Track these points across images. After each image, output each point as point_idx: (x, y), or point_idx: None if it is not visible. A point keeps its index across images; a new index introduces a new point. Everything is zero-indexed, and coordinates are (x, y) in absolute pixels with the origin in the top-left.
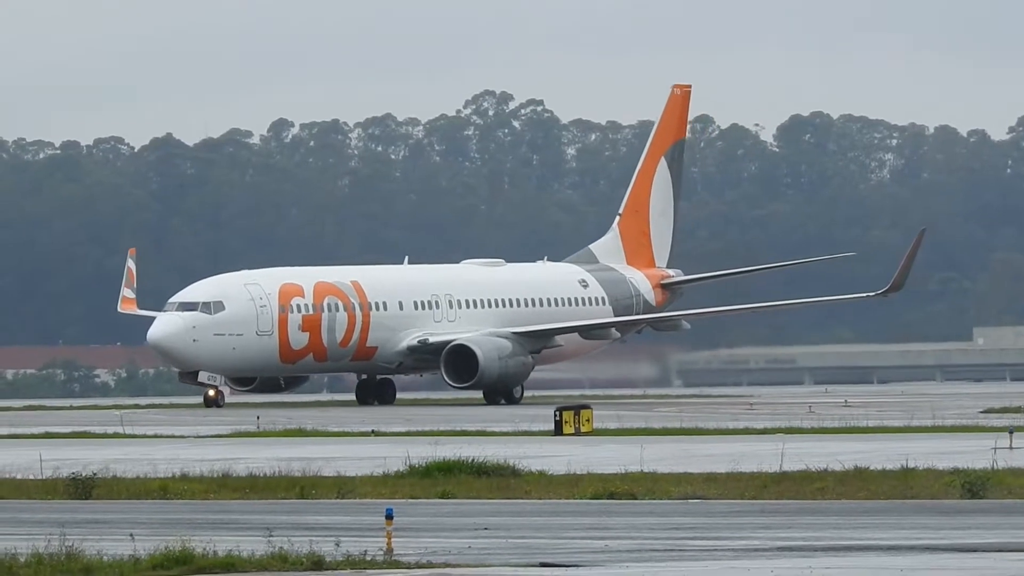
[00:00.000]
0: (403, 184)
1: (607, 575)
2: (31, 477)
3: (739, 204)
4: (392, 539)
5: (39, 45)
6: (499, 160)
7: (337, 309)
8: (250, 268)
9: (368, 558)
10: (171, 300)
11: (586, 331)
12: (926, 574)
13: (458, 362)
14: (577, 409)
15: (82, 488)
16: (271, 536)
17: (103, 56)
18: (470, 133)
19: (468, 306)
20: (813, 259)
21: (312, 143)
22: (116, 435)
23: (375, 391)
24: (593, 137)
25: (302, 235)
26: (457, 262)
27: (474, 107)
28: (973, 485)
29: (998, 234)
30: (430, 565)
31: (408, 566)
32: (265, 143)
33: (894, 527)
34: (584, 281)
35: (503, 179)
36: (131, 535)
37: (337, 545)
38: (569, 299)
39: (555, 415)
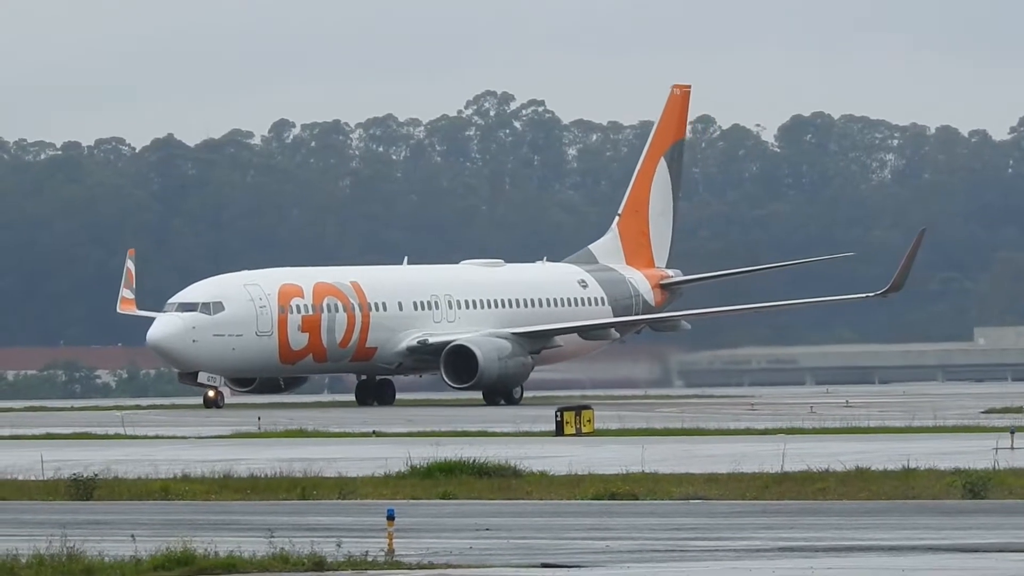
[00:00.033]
0: (404, 185)
1: (608, 575)
2: (32, 478)
3: (740, 204)
4: (393, 540)
5: (39, 45)
6: (500, 160)
7: (337, 310)
8: (251, 269)
9: (369, 559)
10: (170, 301)
11: (585, 331)
12: (928, 574)
13: (458, 363)
14: (578, 410)
15: (83, 489)
16: (272, 537)
17: (103, 56)
18: (471, 133)
19: (467, 307)
20: (812, 259)
21: (313, 144)
22: (117, 436)
23: (375, 392)
24: (594, 137)
25: (303, 236)
26: (457, 263)
27: (475, 107)
28: (974, 485)
29: (999, 234)
30: (431, 566)
31: (409, 567)
32: (266, 144)
33: (896, 527)
34: (583, 281)
35: (504, 179)
36: (132, 536)
37: (338, 546)
38: (568, 299)
39: (556, 415)
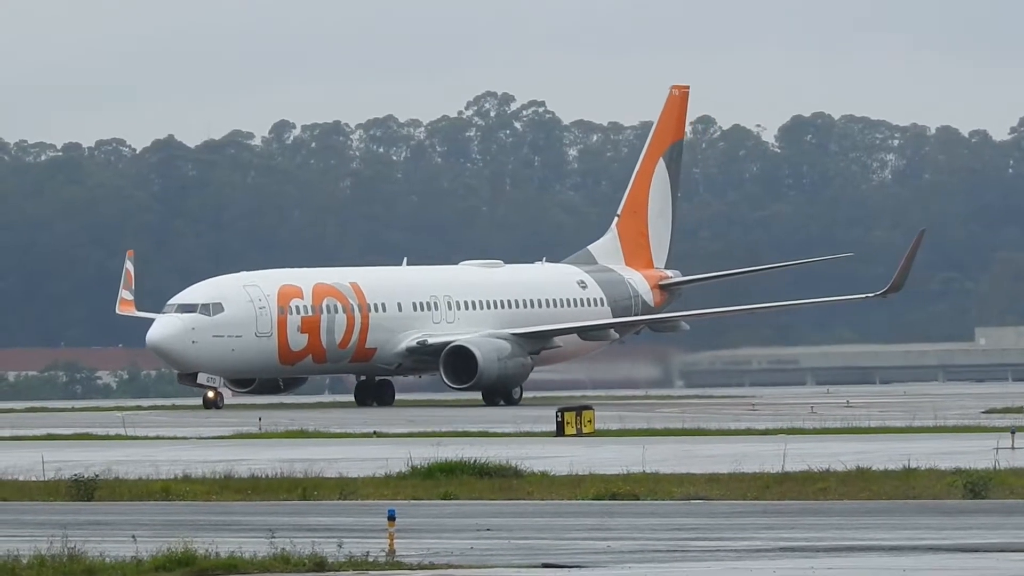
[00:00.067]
0: (405, 185)
1: (609, 575)
2: (33, 479)
3: (741, 205)
4: (394, 540)
5: (39, 45)
6: (501, 161)
7: (336, 310)
8: (252, 270)
9: (370, 559)
10: (170, 302)
11: (585, 332)
12: (928, 574)
13: (457, 363)
14: (579, 410)
15: (84, 490)
16: (273, 537)
17: (103, 56)
18: (472, 134)
19: (467, 307)
20: (811, 260)
21: (313, 144)
22: (118, 437)
23: (374, 392)
24: (595, 138)
25: (304, 237)
26: (456, 263)
27: (475, 108)
28: (975, 485)
29: (1000, 234)
30: (432, 566)
31: (410, 567)
32: (267, 145)
33: (896, 527)
34: (583, 282)
35: (505, 180)
36: (133, 536)
37: (339, 546)
38: (567, 300)
39: (557, 416)
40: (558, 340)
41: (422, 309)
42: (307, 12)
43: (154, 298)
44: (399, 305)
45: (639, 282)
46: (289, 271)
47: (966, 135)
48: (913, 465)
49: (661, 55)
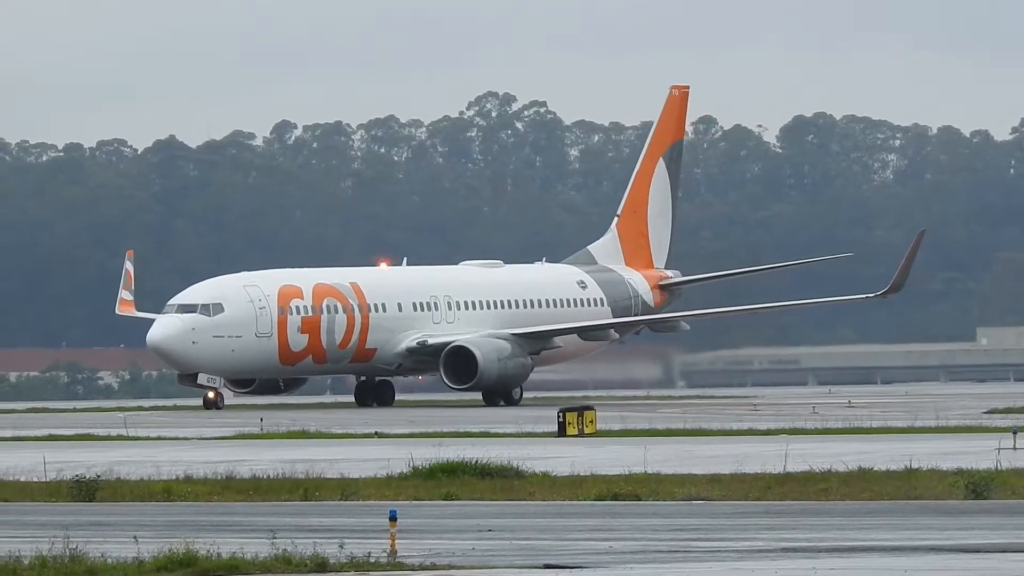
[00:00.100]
0: (406, 186)
1: None
2: (35, 479)
3: (742, 205)
4: (396, 541)
5: (39, 45)
6: (502, 162)
7: (336, 311)
8: (253, 270)
9: (372, 560)
10: (170, 302)
11: (585, 332)
12: (930, 575)
13: (457, 363)
14: (580, 410)
15: (86, 490)
16: (275, 538)
17: (103, 56)
18: (473, 135)
19: (467, 307)
20: (811, 260)
21: (315, 145)
22: (119, 437)
23: (374, 393)
24: (596, 138)
25: (305, 237)
26: (456, 264)
27: (477, 108)
28: (977, 486)
29: (1001, 234)
30: (434, 567)
31: (412, 568)
32: (268, 145)
33: (898, 528)
34: (583, 282)
35: (506, 180)
36: (135, 537)
37: (341, 547)
38: (567, 300)
39: (559, 416)
40: (558, 340)
41: (422, 309)
42: (308, 12)
43: (155, 299)
44: (399, 305)
45: (639, 282)
46: (289, 271)
47: (967, 135)
48: (915, 465)
49: (661, 55)
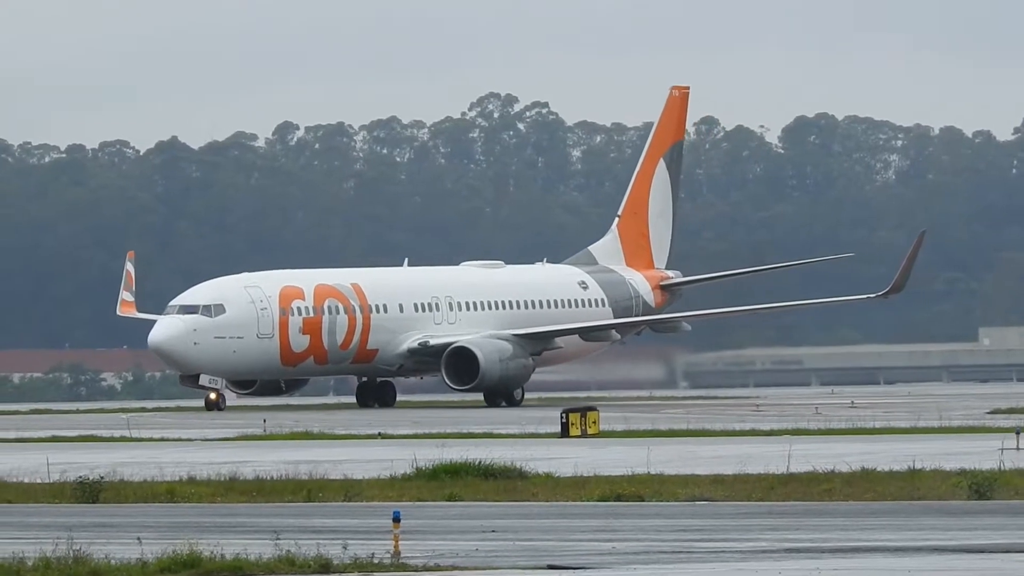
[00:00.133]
0: (408, 187)
1: None
2: (38, 481)
3: (744, 205)
4: (399, 542)
5: (39, 45)
6: (504, 162)
7: (337, 312)
8: (256, 271)
9: (375, 561)
10: (171, 303)
11: (586, 333)
12: (934, 575)
13: (459, 364)
14: (583, 411)
15: (89, 492)
16: (278, 539)
17: (103, 56)
18: (475, 135)
19: (468, 308)
20: (811, 260)
21: (317, 146)
22: (123, 439)
23: (375, 393)
24: (598, 139)
25: (307, 238)
26: (457, 264)
27: (479, 109)
28: (980, 486)
29: (1004, 234)
30: (437, 568)
31: (415, 568)
32: (270, 146)
33: (901, 528)
34: (584, 283)
35: (508, 181)
36: (138, 539)
37: (344, 548)
38: (569, 301)
39: (562, 417)
40: (559, 341)
41: (423, 310)
42: (310, 12)
43: (158, 300)
44: (400, 306)
45: (640, 283)
46: (290, 272)
47: (970, 135)
48: (918, 466)
49: (661, 56)
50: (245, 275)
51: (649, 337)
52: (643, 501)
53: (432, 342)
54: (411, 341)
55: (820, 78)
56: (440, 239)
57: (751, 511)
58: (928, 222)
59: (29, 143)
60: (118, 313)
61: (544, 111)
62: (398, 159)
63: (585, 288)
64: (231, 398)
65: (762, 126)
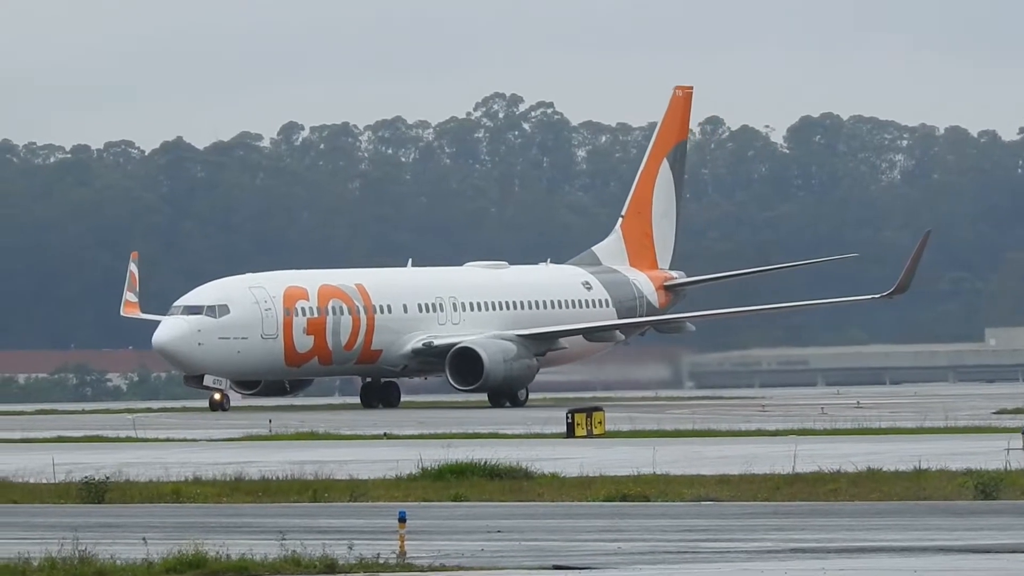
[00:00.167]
0: (413, 187)
1: None
2: (44, 481)
3: (749, 205)
4: (405, 542)
5: (40, 45)
6: (509, 162)
7: (342, 312)
8: (261, 271)
9: (381, 561)
10: (176, 304)
11: (590, 333)
12: (939, 575)
13: (463, 365)
14: (589, 411)
15: (95, 492)
16: (284, 539)
17: (106, 57)
18: (480, 135)
19: (472, 308)
20: (815, 260)
21: (322, 146)
22: (128, 439)
23: (380, 394)
24: (603, 139)
25: (313, 238)
26: (461, 265)
27: (484, 109)
28: (986, 486)
29: (1009, 234)
30: (443, 568)
31: (421, 569)
32: (275, 146)
33: (907, 528)
34: (588, 283)
35: (513, 181)
36: (144, 539)
37: (350, 548)
38: (572, 301)
39: (567, 417)
40: (563, 341)
41: (428, 311)
42: (315, 12)
43: (163, 300)
44: (404, 307)
45: (644, 283)
46: (295, 272)
47: (975, 135)
48: (924, 466)
49: (666, 56)
50: (249, 275)
51: (654, 337)
52: (649, 501)
53: (436, 342)
54: (415, 341)
55: (821, 78)
56: (445, 239)
57: (757, 511)
58: (933, 222)
59: (34, 143)
60: (122, 314)
61: (549, 111)
62: (403, 159)
63: (589, 289)
64: (235, 399)
65: (767, 126)
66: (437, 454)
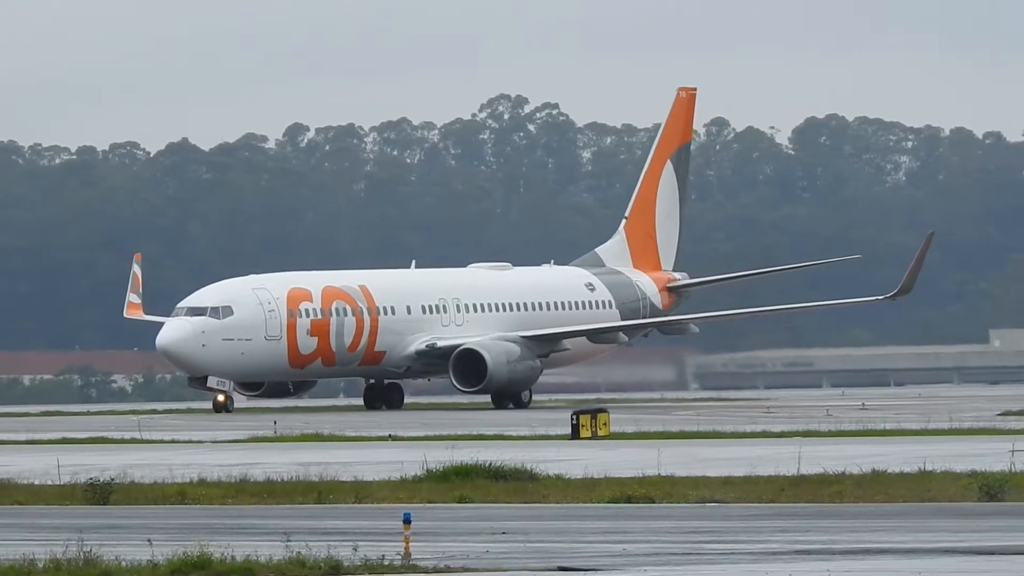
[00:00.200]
0: (419, 188)
1: None
2: (49, 483)
3: (755, 207)
4: (410, 543)
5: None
6: (514, 164)
7: (345, 313)
8: (266, 272)
9: (386, 563)
10: (179, 305)
11: (593, 334)
12: None
13: (466, 366)
14: (594, 413)
15: (100, 493)
16: (289, 541)
17: (110, 58)
18: (485, 137)
19: (475, 310)
20: (818, 262)
21: (328, 147)
22: (133, 440)
23: (383, 395)
24: (608, 140)
25: (318, 239)
26: (465, 266)
27: (489, 111)
28: (991, 488)
29: (1014, 235)
30: (448, 569)
31: (426, 570)
32: (280, 147)
33: (912, 530)
34: (591, 284)
35: (519, 182)
36: (149, 540)
37: (355, 550)
38: (576, 303)
39: (572, 419)
40: (567, 343)
41: (431, 312)
42: (319, 13)
43: (169, 301)
44: (408, 308)
45: (647, 284)
46: (298, 274)
47: (980, 136)
48: (928, 468)
49: (671, 57)
50: (253, 277)
51: (657, 339)
52: (653, 503)
53: (439, 344)
54: (418, 343)
55: (826, 80)
56: (450, 240)
57: (761, 513)
58: (938, 223)
59: (39, 145)
60: (125, 315)
61: (554, 112)
62: (408, 160)
63: (592, 290)
64: (239, 400)
65: (772, 127)
66: (442, 456)
